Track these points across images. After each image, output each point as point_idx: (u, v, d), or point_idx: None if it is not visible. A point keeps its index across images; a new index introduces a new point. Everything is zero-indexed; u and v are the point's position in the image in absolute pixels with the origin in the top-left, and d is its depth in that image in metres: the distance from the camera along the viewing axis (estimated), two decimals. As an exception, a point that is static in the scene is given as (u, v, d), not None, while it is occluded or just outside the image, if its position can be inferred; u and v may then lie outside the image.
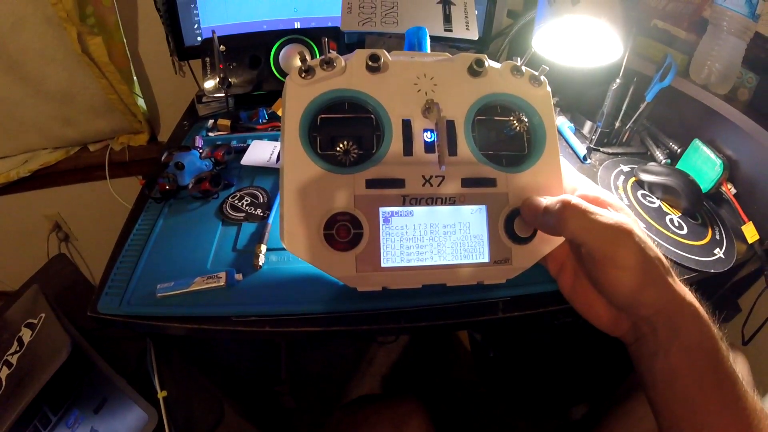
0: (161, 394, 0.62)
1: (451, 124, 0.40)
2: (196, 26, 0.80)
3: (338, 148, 0.38)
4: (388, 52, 0.41)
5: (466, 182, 0.39)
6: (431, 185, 0.39)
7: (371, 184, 0.38)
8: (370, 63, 0.39)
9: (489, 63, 0.42)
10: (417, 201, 0.38)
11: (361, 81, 0.40)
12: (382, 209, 0.38)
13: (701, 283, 0.55)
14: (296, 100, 0.39)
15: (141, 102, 1.00)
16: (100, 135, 1.05)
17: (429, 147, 0.39)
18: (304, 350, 1.00)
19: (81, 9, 0.84)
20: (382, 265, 0.38)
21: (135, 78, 0.98)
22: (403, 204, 0.38)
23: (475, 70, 0.41)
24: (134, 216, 0.58)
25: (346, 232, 0.37)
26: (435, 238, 0.39)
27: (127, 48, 0.93)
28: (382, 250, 0.38)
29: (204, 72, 0.74)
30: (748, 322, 0.74)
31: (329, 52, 0.39)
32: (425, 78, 0.40)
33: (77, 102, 0.97)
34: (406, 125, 0.39)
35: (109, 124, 1.02)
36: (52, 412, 0.68)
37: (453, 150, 0.40)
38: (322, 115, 0.40)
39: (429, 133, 0.40)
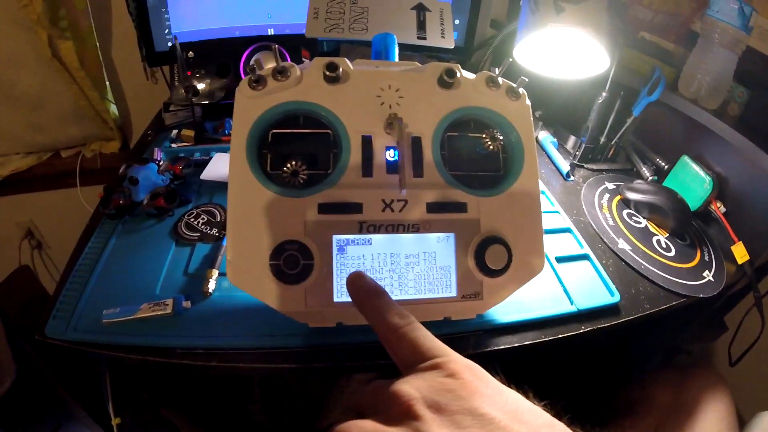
0: (115, 422, 0.60)
1: (417, 142, 0.36)
2: (167, 31, 0.76)
3: (285, 170, 0.34)
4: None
5: (432, 207, 0.36)
6: (392, 210, 0.35)
7: (324, 208, 0.34)
8: (327, 72, 0.36)
9: (462, 73, 0.38)
10: (376, 228, 0.35)
11: (317, 92, 0.36)
12: (336, 237, 0.34)
13: (689, 305, 0.52)
14: (244, 114, 0.35)
15: (113, 108, 0.97)
16: (72, 141, 1.01)
17: (391, 167, 0.35)
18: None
19: (53, 12, 0.81)
20: (335, 300, 0.34)
21: (107, 84, 0.94)
22: (360, 231, 0.34)
23: (446, 81, 0.37)
24: (88, 232, 0.54)
25: (295, 262, 0.33)
26: (396, 270, 0.35)
27: (100, 53, 0.90)
28: (335, 284, 0.34)
29: (172, 79, 0.70)
30: (735, 341, 0.71)
31: (284, 61, 0.36)
32: (390, 89, 0.37)
33: (48, 108, 0.93)
34: (366, 142, 0.35)
35: (80, 130, 0.99)
36: (8, 437, 0.66)
37: (419, 171, 0.36)
38: (274, 131, 0.36)
39: (392, 151, 0.36)
